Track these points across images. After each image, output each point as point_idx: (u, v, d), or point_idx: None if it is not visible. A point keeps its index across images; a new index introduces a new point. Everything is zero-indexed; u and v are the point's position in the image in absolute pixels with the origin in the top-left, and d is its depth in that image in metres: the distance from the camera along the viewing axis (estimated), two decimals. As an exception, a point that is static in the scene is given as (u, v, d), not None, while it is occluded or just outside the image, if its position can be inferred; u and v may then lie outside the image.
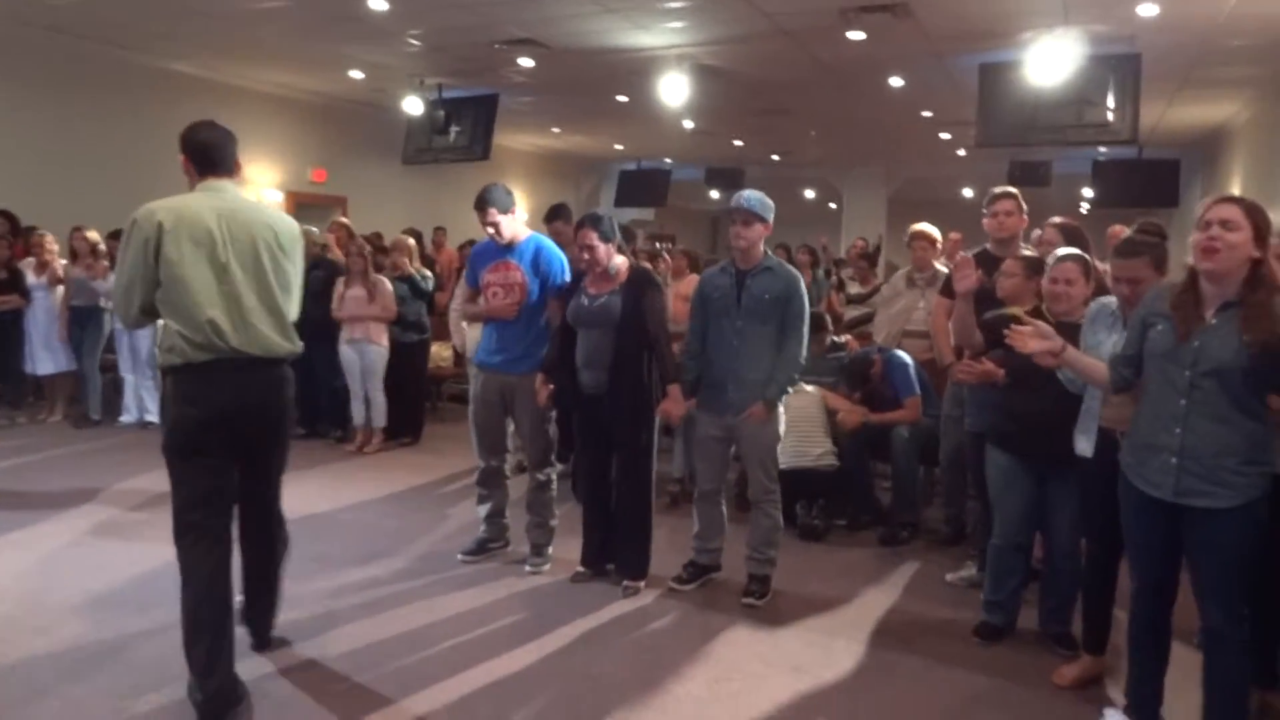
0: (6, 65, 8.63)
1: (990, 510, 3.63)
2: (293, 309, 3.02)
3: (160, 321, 2.84)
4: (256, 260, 2.87)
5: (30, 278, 7.22)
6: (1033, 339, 2.79)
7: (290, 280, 3.00)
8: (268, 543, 3.17)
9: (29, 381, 7.50)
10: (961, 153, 14.50)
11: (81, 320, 7.21)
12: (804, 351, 3.84)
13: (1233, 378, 2.41)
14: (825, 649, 3.46)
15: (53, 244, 7.33)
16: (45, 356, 7.25)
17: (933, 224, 5.36)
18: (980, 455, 3.70)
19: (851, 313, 7.12)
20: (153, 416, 7.20)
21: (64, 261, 7.34)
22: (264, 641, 3.28)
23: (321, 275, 6.70)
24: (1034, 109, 7.71)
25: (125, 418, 7.30)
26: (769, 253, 3.90)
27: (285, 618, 3.50)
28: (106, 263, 7.08)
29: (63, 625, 3.47)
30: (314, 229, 7.23)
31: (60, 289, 7.24)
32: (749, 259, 3.81)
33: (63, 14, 8.17)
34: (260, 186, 11.60)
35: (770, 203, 3.84)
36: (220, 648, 2.78)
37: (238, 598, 3.05)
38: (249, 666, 3.13)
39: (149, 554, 4.25)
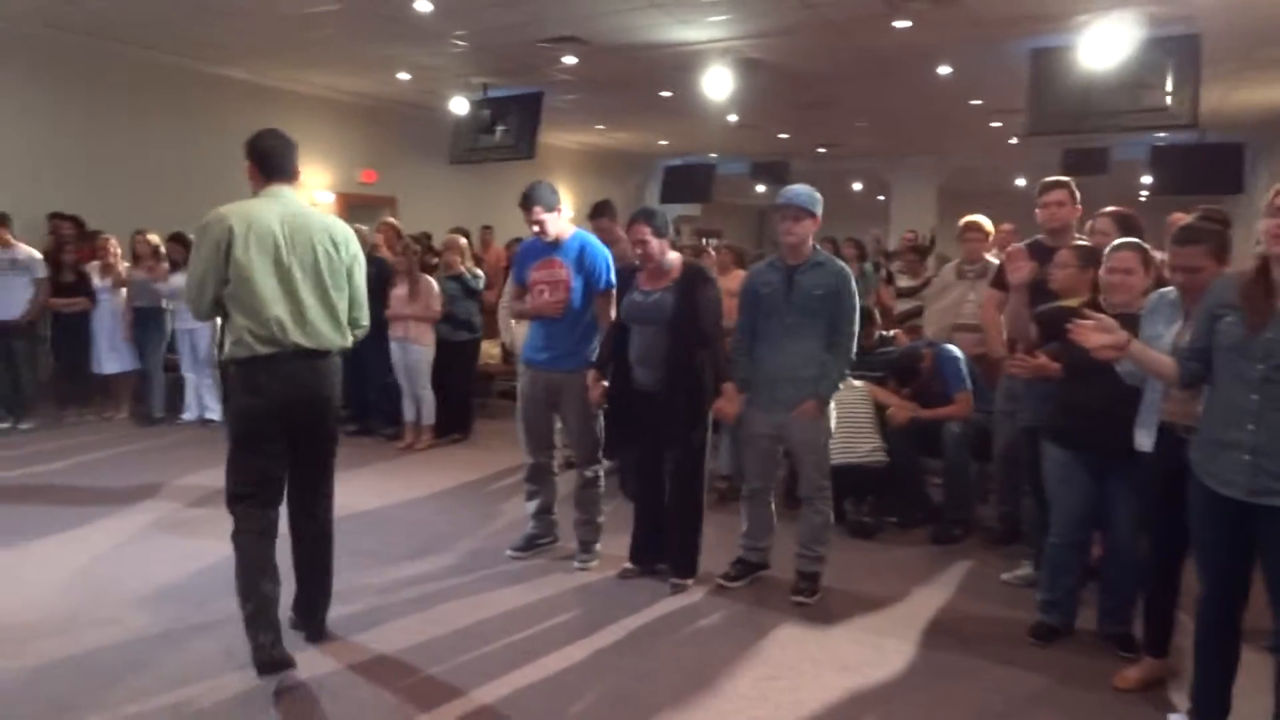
0: (73, 77, 8.93)
1: (1046, 507, 3.55)
2: (361, 308, 3.29)
3: (219, 321, 3.04)
4: (315, 262, 3.11)
5: (95, 280, 7.46)
6: (1096, 333, 2.71)
7: (344, 279, 3.21)
8: (320, 531, 3.33)
9: (95, 381, 7.75)
10: (1013, 141, 14.18)
11: (144, 321, 7.42)
12: (855, 346, 3.80)
13: None
14: (876, 648, 3.42)
15: (116, 247, 7.56)
16: (110, 356, 7.48)
17: (984, 215, 5.26)
18: (1035, 451, 3.62)
19: (901, 306, 7.01)
20: (213, 414, 7.39)
21: (126, 264, 7.56)
22: (318, 633, 3.38)
23: (372, 273, 6.77)
24: (1087, 94, 7.51)
25: (186, 415, 7.50)
26: (818, 247, 3.85)
27: (338, 612, 3.58)
28: (167, 265, 7.28)
29: (128, 617, 3.58)
30: (364, 228, 7.35)
31: (124, 291, 7.46)
32: (798, 254, 3.77)
33: (123, 26, 8.42)
34: (312, 188, 11.82)
35: (819, 196, 3.80)
36: (273, 605, 3.03)
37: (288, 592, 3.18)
38: (306, 661, 3.20)
39: (210, 549, 4.37)
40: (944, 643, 3.48)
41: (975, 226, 5.18)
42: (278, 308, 3.01)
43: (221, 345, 3.15)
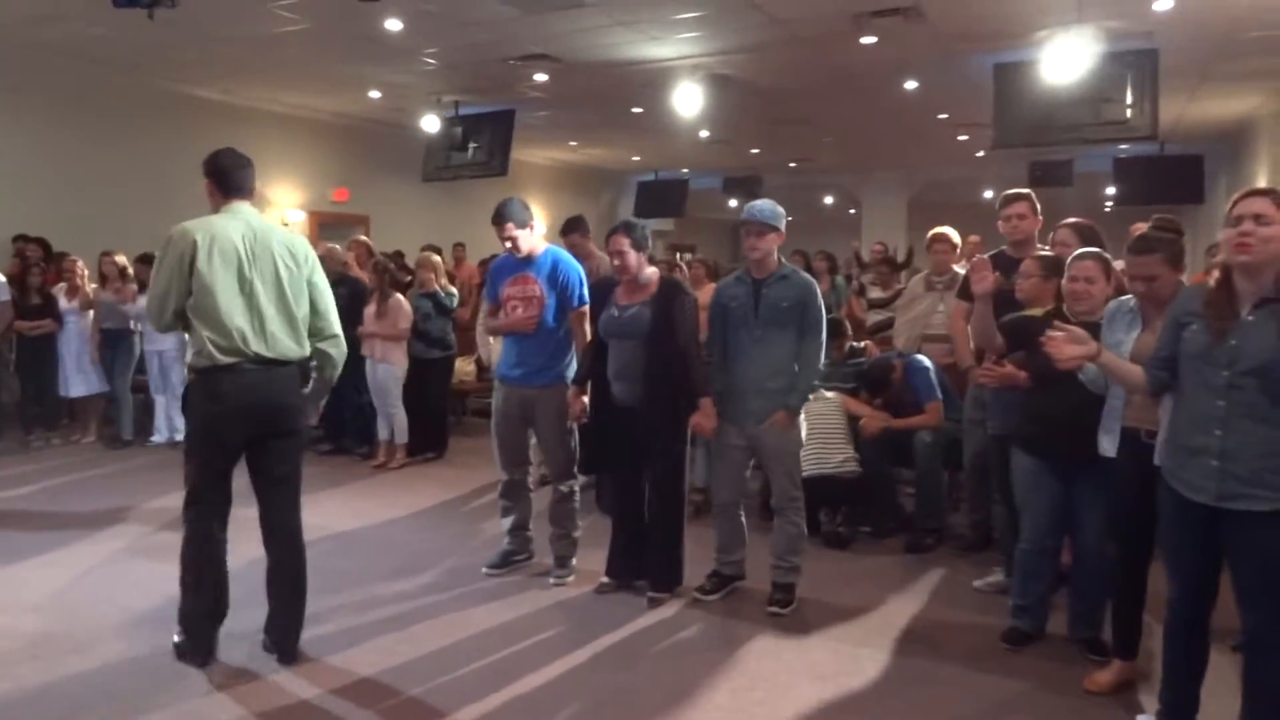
0: (35, 93, 8.83)
1: (1016, 514, 3.60)
2: (324, 317, 3.41)
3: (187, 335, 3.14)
4: (276, 275, 3.23)
5: (62, 302, 7.37)
6: (1069, 344, 2.76)
7: (303, 292, 3.33)
8: (290, 548, 3.40)
9: (62, 404, 7.64)
10: (980, 154, 14.40)
11: (112, 343, 7.33)
12: (823, 357, 3.84)
13: (1274, 376, 2.36)
14: (851, 657, 3.44)
15: (83, 269, 7.47)
16: (78, 379, 7.38)
17: (954, 227, 5.34)
18: (1004, 458, 3.67)
19: (873, 318, 7.09)
20: (182, 435, 7.30)
21: (94, 286, 7.48)
22: (291, 655, 3.36)
23: (344, 293, 6.77)
24: (1051, 108, 7.66)
25: (156, 438, 7.41)
26: (783, 260, 3.90)
27: (313, 633, 3.55)
28: (135, 286, 7.20)
29: (98, 643, 3.52)
30: (337, 246, 7.33)
31: (91, 313, 7.37)
32: (764, 268, 3.82)
33: (92, 45, 8.36)
34: (284, 207, 11.77)
35: (781, 210, 3.86)
36: (219, 606, 3.27)
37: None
38: (279, 682, 3.17)
39: (180, 572, 4.32)
40: (918, 650, 3.51)
41: (943, 238, 5.26)
42: (240, 319, 3.12)
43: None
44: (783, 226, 3.83)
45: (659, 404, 3.83)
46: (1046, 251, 3.98)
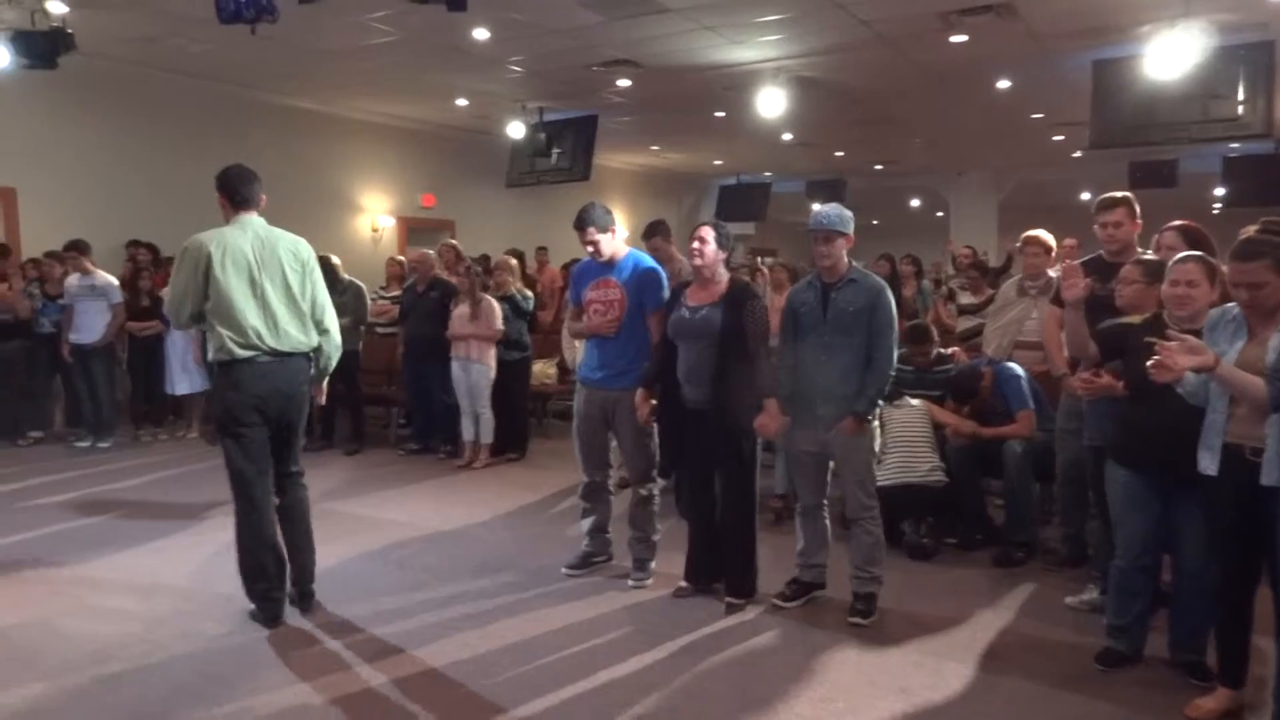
0: (145, 107, 9.36)
1: (1112, 529, 3.45)
2: (324, 312, 3.81)
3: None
4: (284, 277, 3.67)
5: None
6: (1183, 355, 2.63)
7: (308, 291, 3.75)
8: (298, 506, 3.86)
9: (168, 401, 8.04)
10: (1077, 154, 13.90)
11: (213, 343, 7.67)
12: (893, 362, 3.76)
13: None
14: (935, 671, 3.35)
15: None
16: (182, 378, 7.75)
17: (1048, 230, 5.16)
18: (1101, 471, 3.52)
19: (964, 324, 6.90)
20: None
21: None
22: (309, 603, 3.85)
23: (437, 295, 6.96)
24: (1153, 105, 7.34)
25: (253, 435, 7.72)
26: (854, 264, 3.84)
27: (400, 627, 3.66)
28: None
29: (202, 629, 3.70)
30: (430, 252, 7.53)
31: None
32: (834, 273, 3.78)
33: (196, 59, 8.80)
34: (374, 213, 12.15)
35: (848, 214, 3.81)
36: (278, 571, 3.71)
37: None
38: (362, 674, 3.27)
39: (274, 564, 4.50)
40: (1006, 667, 3.40)
41: (1036, 241, 5.08)
42: (254, 319, 3.56)
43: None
44: (850, 230, 3.78)
45: (727, 407, 3.82)
46: (1150, 255, 3.80)
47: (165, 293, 7.62)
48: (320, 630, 3.69)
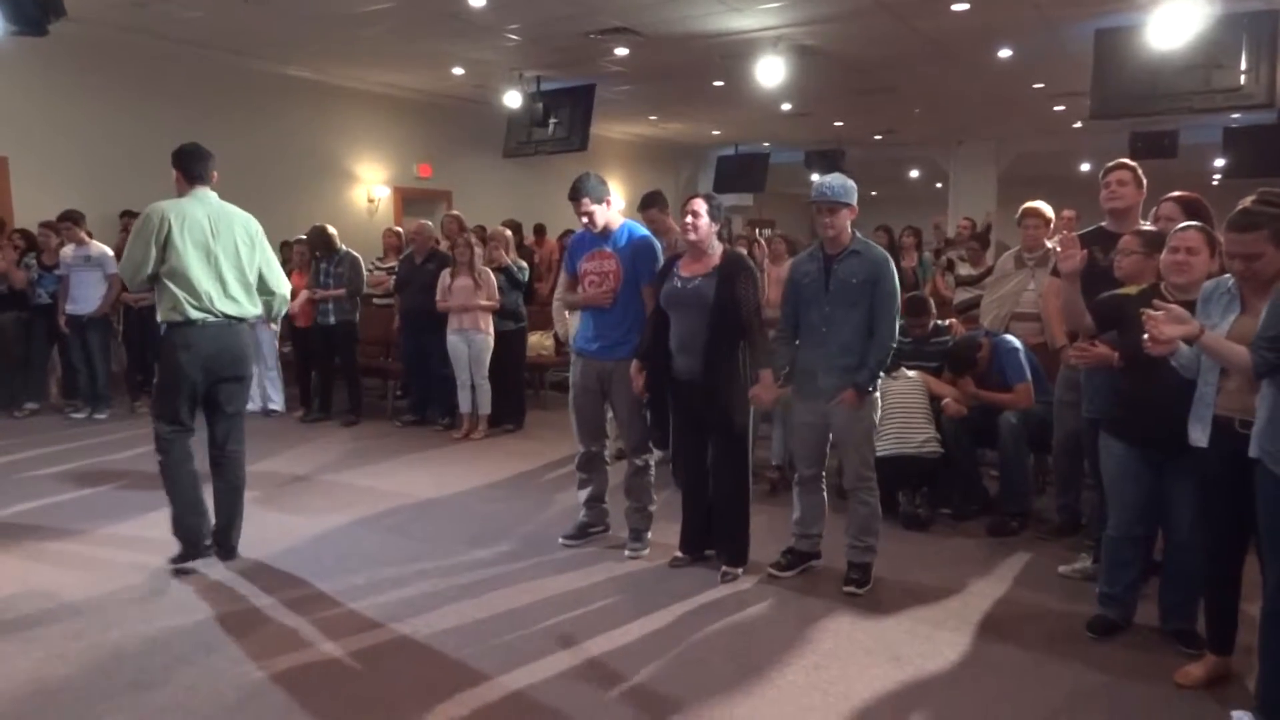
0: (135, 74, 9.25)
1: (1106, 500, 3.47)
2: (276, 280, 4.15)
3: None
4: (235, 248, 3.99)
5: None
6: (1168, 324, 2.62)
7: (255, 261, 4.07)
8: (233, 464, 4.16)
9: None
10: (1077, 125, 13.83)
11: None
12: (895, 335, 3.76)
13: None
14: (929, 639, 3.39)
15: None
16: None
17: (1048, 201, 5.14)
18: (1098, 442, 3.53)
19: (962, 295, 6.89)
20: (275, 405, 7.62)
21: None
22: (231, 553, 4.14)
23: (434, 267, 6.93)
24: (1155, 75, 7.26)
25: (251, 406, 7.66)
26: (857, 235, 3.82)
27: (396, 595, 3.69)
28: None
29: (205, 597, 3.73)
30: (428, 223, 7.48)
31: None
32: (836, 244, 3.76)
33: (187, 25, 8.68)
34: (370, 183, 12.07)
35: (852, 184, 3.77)
36: (203, 517, 4.06)
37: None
38: (361, 641, 3.29)
39: (279, 534, 4.53)
40: (1000, 636, 3.43)
41: (1035, 213, 5.06)
42: (207, 283, 3.87)
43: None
44: (854, 201, 3.75)
45: (720, 378, 3.82)
46: (1149, 227, 3.79)
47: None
48: (318, 598, 3.72)
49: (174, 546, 4.09)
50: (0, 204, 8.40)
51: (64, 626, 3.46)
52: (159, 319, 3.96)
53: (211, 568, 4.06)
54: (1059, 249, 3.58)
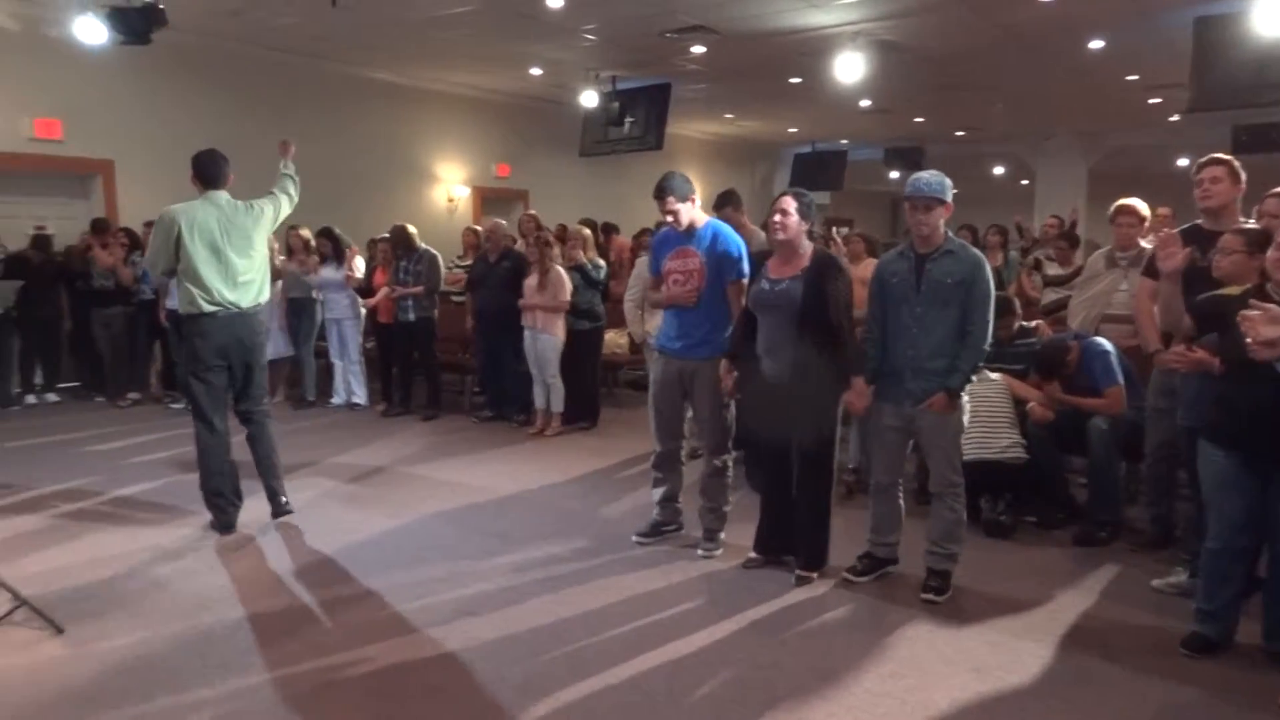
0: (233, 82, 9.63)
1: (1205, 511, 3.31)
2: (264, 276, 4.55)
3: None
4: (243, 245, 4.39)
5: (255, 273, 8.01)
6: (1265, 324, 2.50)
7: (264, 254, 4.56)
8: (260, 431, 4.58)
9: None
10: (1174, 118, 13.23)
11: (297, 310, 7.92)
12: (989, 338, 3.65)
13: None
14: (1011, 651, 3.29)
15: (274, 242, 8.08)
16: (268, 344, 7.99)
17: (1142, 198, 4.94)
18: (1196, 451, 3.37)
19: (1050, 296, 6.66)
20: (359, 399, 7.84)
21: (282, 258, 8.09)
22: (280, 510, 4.61)
23: (509, 266, 7.04)
24: (1260, 65, 6.91)
25: (335, 400, 7.97)
26: (950, 234, 3.72)
27: (474, 590, 3.77)
28: (316, 258, 7.73)
29: (288, 586, 3.87)
30: (503, 222, 7.61)
31: (280, 283, 7.98)
32: (929, 243, 3.65)
33: (275, 32, 9.00)
34: (449, 183, 12.32)
35: (948, 181, 3.66)
36: (231, 486, 4.48)
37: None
38: (441, 635, 3.36)
39: (361, 525, 4.67)
40: (1086, 649, 3.31)
41: (1128, 210, 4.86)
42: (216, 280, 4.27)
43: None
44: (950, 198, 3.64)
45: (808, 382, 3.75)
46: (1251, 224, 3.61)
47: (282, 264, 7.92)
48: (398, 589, 3.82)
49: (262, 533, 4.24)
50: (108, 204, 8.86)
51: (162, 608, 3.63)
52: (179, 311, 4.43)
53: (296, 555, 4.21)
54: (1158, 247, 3.44)
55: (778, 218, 3.79)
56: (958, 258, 3.61)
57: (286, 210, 4.76)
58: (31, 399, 7.96)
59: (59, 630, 3.37)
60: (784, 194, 3.88)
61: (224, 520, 4.47)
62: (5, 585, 3.45)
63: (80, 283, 7.94)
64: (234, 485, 4.52)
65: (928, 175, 3.66)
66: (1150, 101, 12.26)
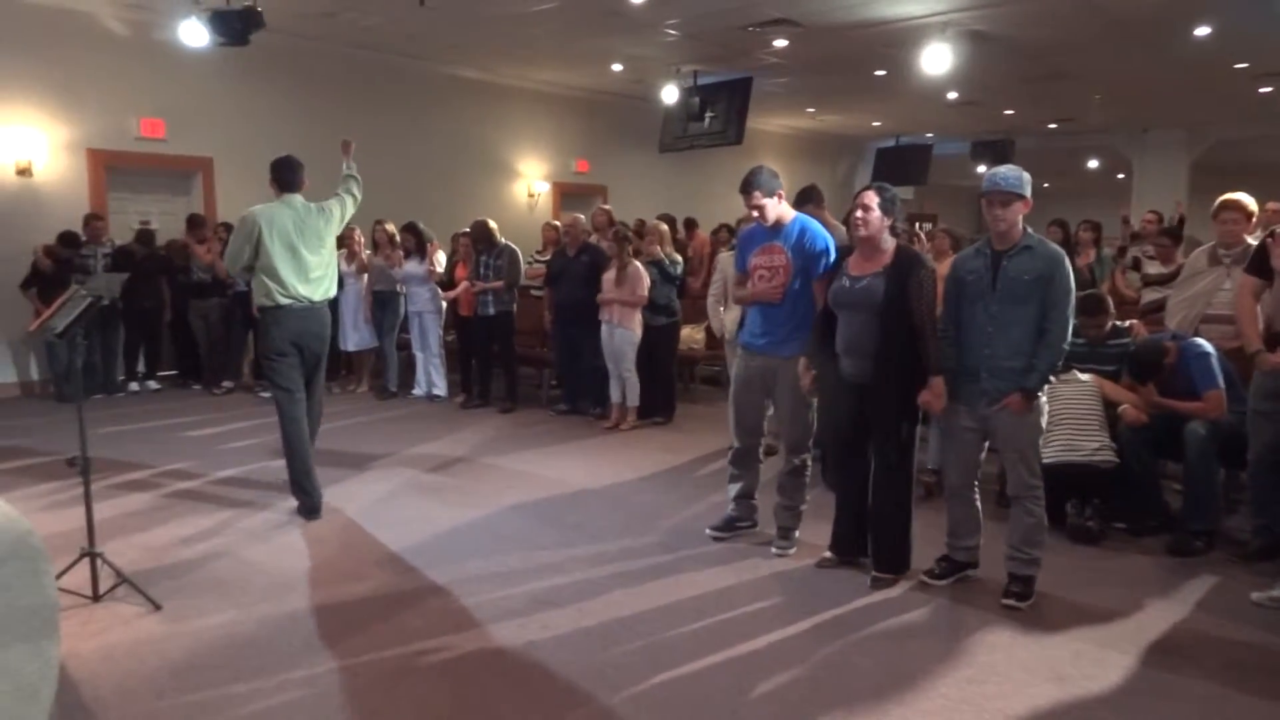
0: (325, 81, 9.96)
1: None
2: (333, 272, 4.92)
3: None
4: (319, 243, 4.77)
5: (343, 266, 8.27)
6: None
7: (334, 252, 4.95)
8: (317, 413, 4.95)
9: (341, 357, 8.63)
10: (1287, 108, 12.51)
11: (381, 303, 8.15)
12: (1068, 337, 3.52)
13: None
14: (1096, 661, 3.17)
15: (360, 236, 8.35)
16: (353, 335, 8.29)
17: (1249, 193, 4.69)
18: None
19: (1150, 295, 6.38)
20: (439, 391, 8.02)
21: (367, 252, 8.33)
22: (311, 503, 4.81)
23: (587, 260, 7.10)
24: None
25: (416, 391, 8.18)
26: (1029, 230, 3.60)
27: (550, 582, 3.84)
28: (401, 252, 7.94)
29: (368, 573, 3.99)
30: (581, 217, 7.68)
31: (365, 276, 8.23)
32: (1007, 239, 3.55)
33: (368, 32, 9.26)
34: (530, 179, 12.49)
35: (1026, 175, 3.54)
36: (308, 463, 4.74)
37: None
38: (509, 629, 3.43)
39: (441, 514, 4.79)
40: (1176, 663, 3.17)
41: (1234, 205, 4.63)
42: (291, 276, 4.63)
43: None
44: (1029, 193, 3.53)
45: (890, 381, 3.68)
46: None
47: (368, 257, 8.24)
48: (474, 579, 3.90)
49: (346, 520, 4.36)
50: (207, 200, 9.27)
51: (252, 587, 3.79)
52: (255, 303, 4.86)
53: (377, 543, 4.34)
54: (1272, 243, 3.25)
55: (860, 213, 3.72)
56: (1035, 253, 3.50)
57: (351, 210, 5.06)
58: (134, 386, 8.40)
59: (157, 607, 3.55)
60: (866, 189, 3.81)
61: (310, 504, 4.72)
62: (108, 563, 3.65)
63: (180, 276, 8.35)
64: (310, 459, 4.80)
65: (1005, 170, 3.56)
66: (1260, 90, 11.62)
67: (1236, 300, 4.08)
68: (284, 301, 4.62)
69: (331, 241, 4.90)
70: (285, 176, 4.78)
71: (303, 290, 4.66)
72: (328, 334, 4.86)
